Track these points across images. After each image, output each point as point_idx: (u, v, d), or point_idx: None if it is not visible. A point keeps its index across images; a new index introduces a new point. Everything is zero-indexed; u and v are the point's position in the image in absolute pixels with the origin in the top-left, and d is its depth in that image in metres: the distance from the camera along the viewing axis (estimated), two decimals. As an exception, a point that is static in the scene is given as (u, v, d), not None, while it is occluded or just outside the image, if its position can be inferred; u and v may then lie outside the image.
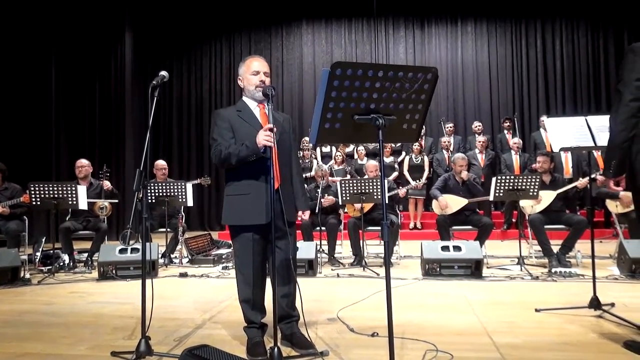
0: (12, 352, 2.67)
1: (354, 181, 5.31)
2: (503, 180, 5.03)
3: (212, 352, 1.47)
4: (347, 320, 3.13)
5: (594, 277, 3.23)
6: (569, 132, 3.06)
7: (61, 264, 5.38)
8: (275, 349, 2.25)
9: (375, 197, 5.27)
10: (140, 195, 2.30)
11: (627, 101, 2.33)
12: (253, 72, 2.58)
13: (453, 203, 5.41)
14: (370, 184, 5.23)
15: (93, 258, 5.51)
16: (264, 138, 2.36)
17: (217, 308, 3.59)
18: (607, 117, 3.08)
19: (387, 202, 5.43)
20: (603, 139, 3.03)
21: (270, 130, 2.34)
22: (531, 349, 2.54)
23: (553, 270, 4.72)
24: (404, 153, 8.84)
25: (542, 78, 10.40)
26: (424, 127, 7.59)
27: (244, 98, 2.69)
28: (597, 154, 7.74)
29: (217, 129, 2.57)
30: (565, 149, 3.05)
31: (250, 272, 2.56)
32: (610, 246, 6.08)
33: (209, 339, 2.83)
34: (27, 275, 4.85)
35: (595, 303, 3.15)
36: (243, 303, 2.62)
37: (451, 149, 8.68)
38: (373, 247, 6.51)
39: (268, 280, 2.67)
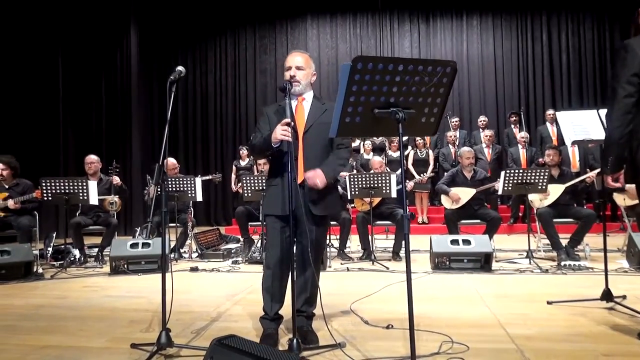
0: (32, 344, 2.71)
1: (363, 176, 5.33)
2: (512, 174, 5.04)
3: (241, 341, 1.50)
4: (361, 313, 3.16)
5: (605, 270, 3.24)
6: (580, 125, 3.07)
7: (72, 258, 5.42)
8: (294, 340, 2.28)
9: (384, 191, 5.29)
10: (159, 190, 2.33)
11: (621, 97, 2.35)
12: (286, 67, 2.65)
13: (462, 194, 5.43)
14: (379, 178, 5.25)
15: (104, 253, 5.56)
16: (280, 133, 2.38)
17: (230, 301, 3.63)
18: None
19: (395, 196, 5.45)
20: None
21: (288, 125, 2.37)
22: (545, 340, 2.57)
23: (562, 263, 4.74)
24: (409, 147, 8.85)
25: (548, 72, 10.37)
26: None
27: None
28: (603, 148, 7.74)
29: (258, 123, 2.77)
30: (576, 142, 3.06)
31: (272, 262, 2.62)
32: (617, 240, 6.08)
33: (227, 331, 2.84)
34: (40, 270, 4.90)
35: (607, 295, 3.16)
36: (264, 291, 2.67)
37: (457, 143, 8.69)
38: (380, 241, 6.52)
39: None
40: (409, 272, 1.95)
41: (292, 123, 2.39)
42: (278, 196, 2.58)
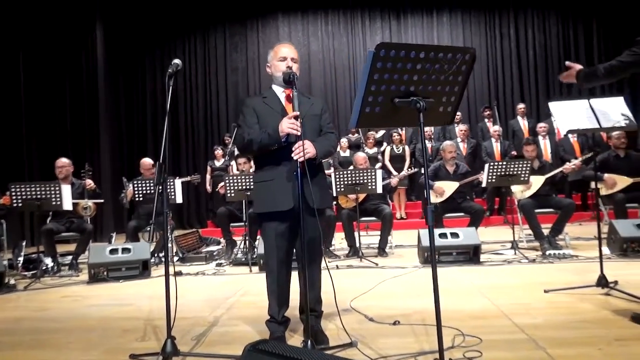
0: (19, 361, 2.52)
1: (349, 172, 5.27)
2: (495, 166, 5.10)
3: (276, 345, 1.41)
4: (363, 310, 3.10)
5: (600, 257, 3.31)
6: (575, 115, 3.12)
7: (45, 268, 5.13)
8: (308, 341, 2.20)
9: (369, 187, 5.25)
10: (160, 190, 2.20)
11: None
12: (280, 58, 2.52)
13: (446, 188, 5.46)
14: (365, 174, 5.21)
15: (78, 260, 5.30)
16: (287, 126, 2.29)
17: (225, 305, 3.50)
18: (608, 99, 3.18)
19: (380, 191, 5.42)
20: (606, 121, 3.10)
21: (296, 118, 2.27)
22: (554, 328, 2.58)
23: (547, 252, 4.83)
24: (384, 144, 8.87)
25: (516, 67, 10.66)
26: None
27: (272, 85, 2.64)
28: (573, 140, 8.00)
29: (241, 115, 2.56)
30: (573, 131, 3.10)
31: (274, 263, 2.51)
32: (592, 228, 6.26)
33: (229, 336, 2.75)
34: (12, 281, 4.60)
35: (603, 281, 3.22)
36: (269, 294, 2.56)
37: (433, 138, 8.78)
38: (363, 237, 6.47)
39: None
40: (434, 267, 1.90)
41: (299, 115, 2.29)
42: (275, 191, 2.42)
